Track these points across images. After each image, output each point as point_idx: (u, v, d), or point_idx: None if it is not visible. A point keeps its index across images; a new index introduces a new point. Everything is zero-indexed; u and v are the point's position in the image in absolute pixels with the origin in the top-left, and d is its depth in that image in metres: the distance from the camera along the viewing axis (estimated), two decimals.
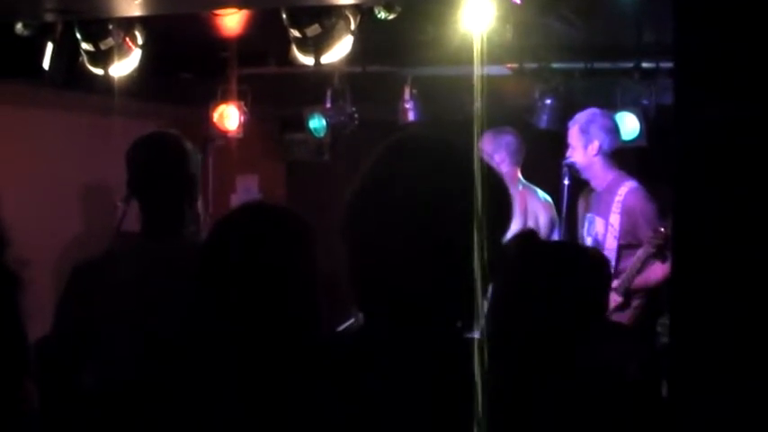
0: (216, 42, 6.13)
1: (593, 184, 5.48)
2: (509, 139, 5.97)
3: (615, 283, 5.13)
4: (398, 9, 4.23)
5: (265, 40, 5.99)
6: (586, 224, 5.52)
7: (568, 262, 2.88)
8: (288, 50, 6.11)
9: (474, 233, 1.56)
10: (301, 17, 4.34)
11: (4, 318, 1.49)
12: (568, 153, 5.45)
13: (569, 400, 1.98)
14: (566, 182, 5.31)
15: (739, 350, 3.15)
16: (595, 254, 3.32)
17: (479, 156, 1.62)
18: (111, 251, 3.44)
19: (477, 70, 2.02)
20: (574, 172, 5.37)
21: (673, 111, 4.83)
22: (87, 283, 3.12)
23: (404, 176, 1.64)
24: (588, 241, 5.36)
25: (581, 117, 5.51)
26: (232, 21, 5.15)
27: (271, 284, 2.35)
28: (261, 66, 6.56)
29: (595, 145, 5.44)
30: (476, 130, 1.68)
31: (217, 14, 4.82)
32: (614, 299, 5.11)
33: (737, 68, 3.79)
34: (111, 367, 2.78)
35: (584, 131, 5.45)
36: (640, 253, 5.11)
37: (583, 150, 5.43)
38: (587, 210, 5.49)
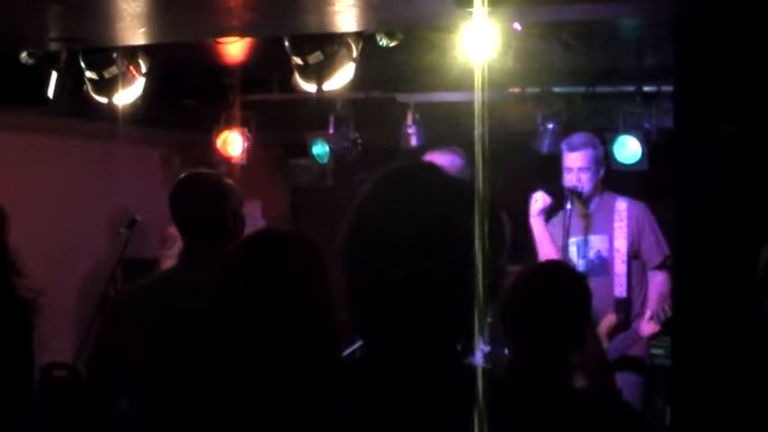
0: (219, 69, 6.18)
1: (592, 207, 5.46)
2: (452, 158, 5.83)
3: (648, 313, 5.17)
4: (400, 36, 4.27)
5: (268, 66, 6.04)
6: (573, 248, 5.46)
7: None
8: (290, 77, 6.18)
9: (474, 256, 1.58)
10: (303, 45, 4.38)
11: (14, 344, 1.51)
12: (576, 177, 5.40)
13: None
14: (568, 206, 5.31)
15: (737, 373, 3.15)
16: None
17: (475, 180, 1.63)
18: (153, 280, 3.71)
19: (479, 96, 2.04)
20: (577, 196, 5.37)
21: (674, 134, 4.84)
22: (129, 309, 3.35)
23: (402, 202, 1.65)
24: (581, 264, 5.33)
25: (592, 142, 5.47)
26: (235, 48, 5.19)
27: (287, 311, 2.36)
28: (264, 92, 6.61)
29: (603, 170, 5.48)
30: (478, 154, 1.70)
31: (220, 42, 4.86)
32: (652, 327, 5.13)
33: (736, 91, 3.82)
34: (144, 393, 2.85)
35: (599, 158, 5.45)
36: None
37: (596, 176, 5.42)
38: (567, 235, 5.37)
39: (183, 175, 3.56)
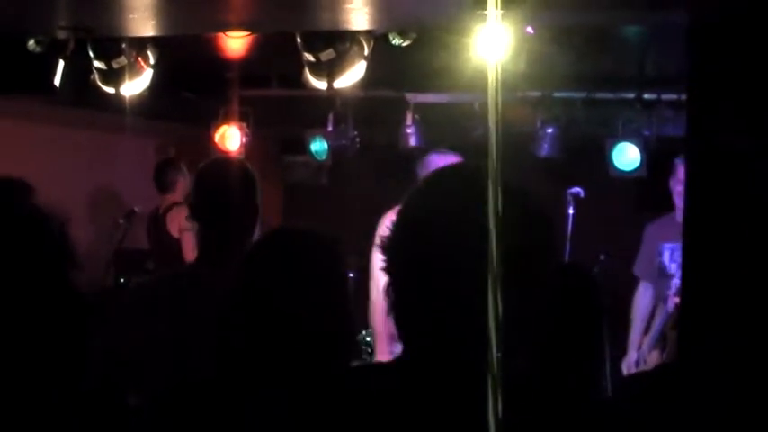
0: (219, 63, 6.16)
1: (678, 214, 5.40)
2: (453, 159, 5.78)
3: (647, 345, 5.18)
4: (413, 36, 4.27)
5: (268, 62, 6.03)
6: (667, 253, 5.37)
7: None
8: (290, 73, 6.17)
9: (524, 264, 1.57)
10: (316, 42, 4.37)
11: (70, 344, 1.50)
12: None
13: None
14: (570, 211, 5.34)
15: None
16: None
17: (495, 183, 1.61)
18: (168, 275, 3.45)
19: (492, 98, 2.04)
20: (578, 200, 5.40)
21: (673, 142, 4.86)
22: (141, 304, 3.15)
23: (452, 203, 1.63)
24: (673, 268, 5.25)
25: None
26: (236, 43, 5.17)
27: (305, 311, 2.35)
28: (263, 88, 6.59)
29: None
30: (492, 157, 1.69)
31: (222, 36, 4.85)
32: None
33: (749, 99, 3.84)
34: (153, 389, 2.80)
35: None
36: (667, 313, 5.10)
37: None
38: (666, 237, 5.31)
39: (208, 161, 3.32)
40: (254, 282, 2.39)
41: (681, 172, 5.19)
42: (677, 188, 5.22)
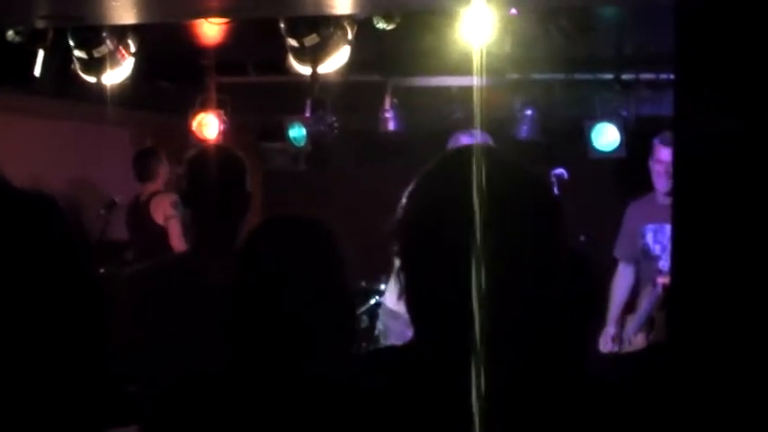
0: (195, 51, 6.12)
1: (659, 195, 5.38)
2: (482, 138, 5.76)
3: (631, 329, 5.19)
4: (397, 20, 4.26)
5: (245, 48, 5.99)
6: (650, 235, 5.38)
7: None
8: (266, 59, 6.14)
9: (538, 250, 1.57)
10: (299, 27, 4.35)
11: (90, 339, 1.48)
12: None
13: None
14: (555, 192, 5.34)
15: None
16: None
17: (479, 162, 1.60)
18: (163, 263, 3.41)
19: (478, 81, 2.04)
20: (562, 182, 5.41)
21: (653, 122, 4.88)
22: (136, 292, 3.13)
23: (464, 185, 1.61)
24: (657, 249, 5.27)
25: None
26: (212, 29, 5.13)
27: (309, 297, 2.34)
28: (240, 74, 6.56)
29: None
30: (476, 138, 1.68)
31: (197, 23, 4.81)
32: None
33: (738, 80, 3.86)
34: (152, 379, 2.78)
35: None
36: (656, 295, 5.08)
37: None
38: (648, 219, 5.33)
39: (197, 149, 3.34)
40: (253, 271, 2.38)
41: (660, 152, 5.23)
42: (656, 168, 5.25)
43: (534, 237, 1.58)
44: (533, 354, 1.67)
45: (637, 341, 5.19)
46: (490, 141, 5.41)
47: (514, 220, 1.58)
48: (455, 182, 1.62)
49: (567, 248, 1.69)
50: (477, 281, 1.56)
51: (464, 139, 5.36)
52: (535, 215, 1.59)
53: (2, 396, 1.39)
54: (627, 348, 5.22)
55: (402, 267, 1.65)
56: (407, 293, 1.65)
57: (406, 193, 1.71)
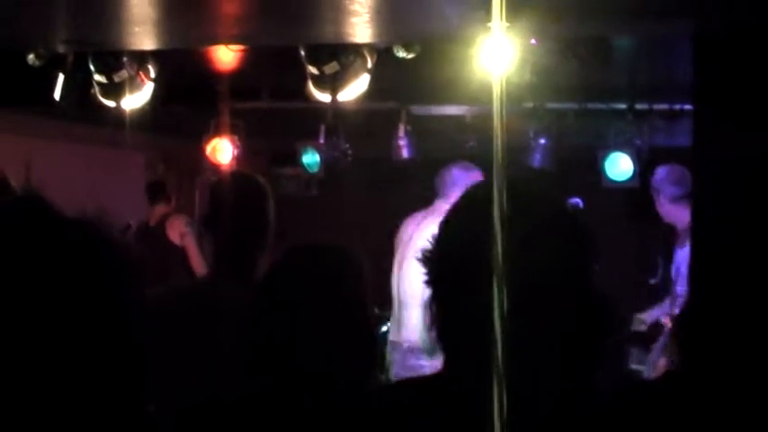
0: (210, 76, 6.14)
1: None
2: (475, 173, 5.71)
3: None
4: (418, 48, 4.28)
5: (259, 74, 6.01)
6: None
7: None
8: (281, 85, 6.15)
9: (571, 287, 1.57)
10: (319, 55, 4.38)
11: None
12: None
13: None
14: None
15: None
16: None
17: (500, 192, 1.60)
18: (178, 288, 3.49)
19: (498, 111, 2.04)
20: (577, 211, 5.42)
21: (666, 152, 4.89)
22: (161, 316, 3.14)
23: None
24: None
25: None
26: (227, 55, 5.15)
27: (332, 326, 2.34)
28: (254, 100, 6.58)
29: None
30: (495, 168, 1.69)
31: (213, 49, 4.83)
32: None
33: (754, 108, 3.88)
34: (169, 399, 2.79)
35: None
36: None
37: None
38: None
39: (219, 174, 3.42)
40: (276, 299, 2.38)
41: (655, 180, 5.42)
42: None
43: (565, 270, 1.59)
44: (562, 386, 1.67)
45: (660, 365, 5.21)
46: (480, 176, 5.41)
47: (545, 253, 1.58)
48: (487, 214, 1.63)
49: (594, 284, 1.69)
50: (509, 314, 1.56)
51: (456, 172, 5.37)
52: (566, 248, 1.60)
53: (31, 406, 1.40)
54: (650, 373, 5.24)
55: (434, 299, 1.65)
56: (439, 325, 1.65)
57: (438, 224, 1.72)
